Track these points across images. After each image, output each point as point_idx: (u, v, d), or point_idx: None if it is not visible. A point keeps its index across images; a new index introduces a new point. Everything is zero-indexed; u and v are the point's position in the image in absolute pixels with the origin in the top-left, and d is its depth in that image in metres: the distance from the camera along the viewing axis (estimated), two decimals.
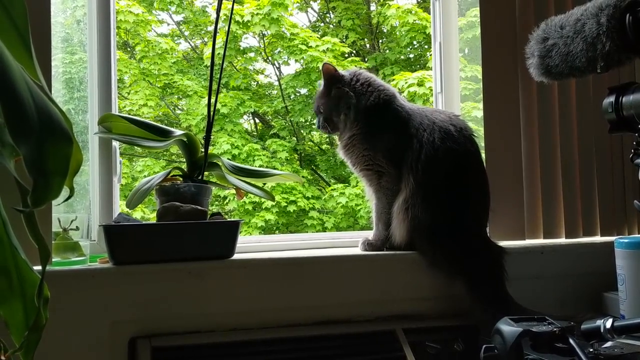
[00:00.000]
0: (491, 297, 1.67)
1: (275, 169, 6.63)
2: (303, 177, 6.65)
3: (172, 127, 1.83)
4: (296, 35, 7.20)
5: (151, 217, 5.87)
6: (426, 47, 7.63)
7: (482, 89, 1.99)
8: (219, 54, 1.76)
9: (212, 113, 1.71)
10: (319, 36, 7.42)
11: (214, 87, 1.73)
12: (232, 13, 2.03)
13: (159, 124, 1.81)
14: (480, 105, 2.01)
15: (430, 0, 2.26)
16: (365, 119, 1.77)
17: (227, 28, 1.84)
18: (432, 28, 2.25)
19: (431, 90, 6.32)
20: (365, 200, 5.85)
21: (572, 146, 2.04)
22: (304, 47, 7.11)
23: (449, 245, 1.68)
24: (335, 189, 6.71)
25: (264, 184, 1.98)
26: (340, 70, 1.86)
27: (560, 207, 2.01)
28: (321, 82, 1.88)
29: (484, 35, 2.00)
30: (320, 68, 1.86)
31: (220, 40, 6.45)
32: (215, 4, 1.62)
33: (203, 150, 1.73)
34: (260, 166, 6.65)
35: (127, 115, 1.79)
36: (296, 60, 7.39)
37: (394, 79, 6.90)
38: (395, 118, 1.77)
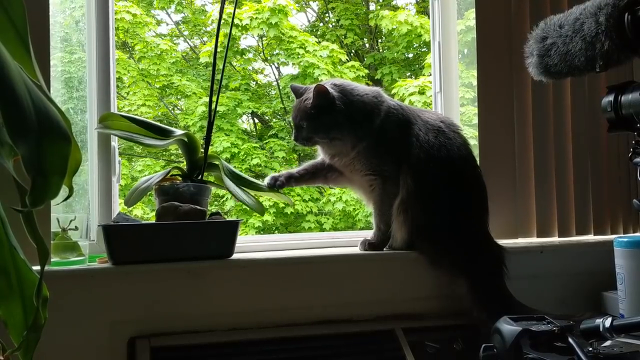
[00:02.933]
0: (492, 296, 1.67)
1: (273, 169, 6.63)
2: None
3: (172, 127, 1.83)
4: (294, 39, 7.19)
5: (151, 215, 5.87)
6: (424, 49, 7.62)
7: (476, 89, 2.00)
8: (220, 51, 1.74)
9: (212, 114, 1.70)
10: (317, 40, 7.40)
11: (215, 87, 1.73)
12: (233, 17, 2.02)
13: (159, 123, 1.81)
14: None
15: (429, 0, 2.27)
16: (368, 137, 1.73)
17: (227, 30, 1.82)
18: (430, 27, 2.26)
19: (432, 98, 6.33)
20: (362, 205, 5.85)
21: (566, 145, 2.05)
22: (301, 52, 7.10)
23: (449, 243, 1.69)
24: (332, 194, 6.69)
25: None
26: (328, 86, 1.75)
27: (554, 206, 2.02)
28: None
29: (479, 36, 2.00)
30: (312, 89, 1.72)
31: (220, 41, 6.40)
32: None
33: (203, 150, 1.73)
34: (257, 165, 6.67)
35: (127, 114, 1.79)
36: (294, 64, 7.38)
37: (394, 87, 6.89)
38: (397, 125, 1.76)
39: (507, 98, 2.01)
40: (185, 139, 1.75)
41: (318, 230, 6.53)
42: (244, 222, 6.23)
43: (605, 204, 2.07)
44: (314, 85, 1.73)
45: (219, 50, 1.71)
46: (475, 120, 2.03)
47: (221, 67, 1.75)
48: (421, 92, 6.54)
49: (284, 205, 6.38)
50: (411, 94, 6.58)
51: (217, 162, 1.76)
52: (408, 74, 7.55)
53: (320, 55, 7.07)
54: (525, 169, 2.00)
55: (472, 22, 2.06)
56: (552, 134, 2.03)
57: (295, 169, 1.86)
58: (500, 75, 2.01)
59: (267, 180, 1.82)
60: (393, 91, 6.82)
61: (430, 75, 2.28)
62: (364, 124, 1.73)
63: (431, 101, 2.25)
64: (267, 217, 6.37)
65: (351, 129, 1.73)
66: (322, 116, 1.72)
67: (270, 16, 6.97)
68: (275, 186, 1.80)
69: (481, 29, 2.01)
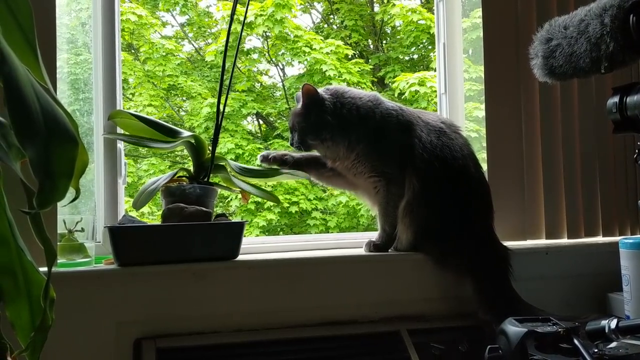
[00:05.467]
0: (498, 296, 1.67)
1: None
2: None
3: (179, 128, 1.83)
4: (300, 37, 7.21)
5: (158, 214, 5.87)
6: (430, 47, 7.63)
7: (484, 92, 2.00)
8: (229, 55, 1.74)
9: (220, 116, 1.71)
10: (322, 38, 7.42)
11: (223, 90, 1.73)
12: (244, 19, 2.03)
13: (167, 123, 1.81)
14: (483, 106, 2.01)
15: (434, 1, 2.26)
16: (365, 139, 1.74)
17: (236, 32, 1.81)
18: (435, 29, 2.25)
19: (432, 89, 6.35)
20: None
21: (573, 146, 2.04)
22: (307, 50, 7.12)
23: (455, 244, 1.69)
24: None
25: (269, 185, 1.96)
26: (320, 90, 1.78)
27: (562, 208, 2.01)
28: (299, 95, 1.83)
29: (486, 36, 2.01)
30: (300, 88, 1.77)
31: (224, 40, 6.41)
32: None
33: (210, 152, 1.73)
34: (261, 166, 6.68)
35: (136, 113, 1.79)
36: (299, 62, 7.40)
37: (395, 81, 6.91)
38: (396, 126, 1.76)
39: (514, 100, 2.01)
40: (193, 141, 1.76)
41: (323, 228, 6.54)
42: (248, 222, 6.25)
43: (614, 205, 2.07)
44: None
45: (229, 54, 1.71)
46: (476, 114, 2.03)
47: (230, 68, 1.75)
48: (421, 84, 6.56)
49: (288, 205, 6.38)
50: (411, 85, 6.61)
51: (224, 164, 1.77)
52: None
53: (327, 52, 7.08)
54: (534, 171, 2.00)
55: (477, 20, 2.06)
56: (560, 135, 2.03)
57: (293, 152, 1.87)
58: (507, 77, 2.01)
59: (260, 156, 1.85)
60: (393, 85, 6.85)
61: (433, 70, 2.28)
62: (357, 127, 1.74)
63: (432, 92, 2.25)
64: (272, 217, 6.37)
65: (342, 131, 1.74)
66: (312, 117, 1.75)
67: (274, 12, 6.98)
68: (267, 161, 1.82)
69: (488, 29, 2.01)
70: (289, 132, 1.85)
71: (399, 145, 1.74)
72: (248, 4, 1.89)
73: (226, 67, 1.70)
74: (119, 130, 1.81)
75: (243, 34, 7.06)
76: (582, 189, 2.04)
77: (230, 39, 1.76)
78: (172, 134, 1.75)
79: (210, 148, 1.74)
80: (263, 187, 1.82)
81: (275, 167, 1.83)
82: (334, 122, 1.74)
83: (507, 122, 2.00)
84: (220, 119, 1.71)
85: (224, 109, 1.71)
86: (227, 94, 1.72)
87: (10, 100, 0.83)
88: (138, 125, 1.75)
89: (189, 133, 1.78)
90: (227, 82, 1.77)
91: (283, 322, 1.62)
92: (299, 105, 1.79)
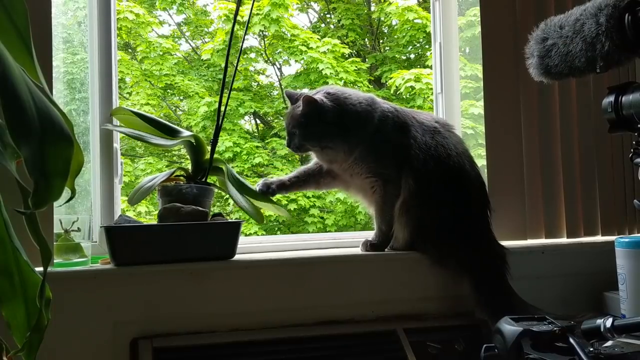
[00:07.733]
0: (496, 295, 1.68)
1: (276, 168, 6.65)
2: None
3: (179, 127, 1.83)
4: (296, 37, 7.21)
5: (155, 213, 5.86)
6: (426, 46, 7.63)
7: (482, 89, 2.00)
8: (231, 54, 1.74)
9: (220, 118, 1.70)
10: (319, 37, 7.42)
11: (225, 91, 1.73)
12: (248, 21, 2.03)
13: (167, 122, 1.81)
14: (478, 103, 2.01)
15: (430, 0, 2.26)
16: (363, 143, 1.74)
17: (234, 32, 1.80)
18: (432, 28, 2.26)
19: (428, 86, 6.36)
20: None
21: (572, 145, 2.04)
22: (304, 48, 7.12)
23: (452, 242, 1.69)
24: None
25: None
26: (321, 95, 1.75)
27: (562, 207, 2.02)
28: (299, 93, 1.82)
29: (484, 34, 2.01)
30: (301, 100, 1.72)
31: (223, 40, 6.40)
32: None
33: (209, 152, 1.73)
34: (259, 164, 6.68)
35: (137, 111, 1.79)
36: (296, 61, 7.39)
37: (392, 78, 6.92)
38: (393, 128, 1.76)
39: (513, 98, 2.01)
40: (193, 141, 1.75)
41: (321, 226, 6.53)
42: (246, 220, 6.24)
43: (612, 204, 2.07)
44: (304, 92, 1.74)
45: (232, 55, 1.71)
46: (472, 111, 2.02)
47: (231, 69, 1.74)
48: (417, 80, 6.58)
49: (287, 202, 6.38)
50: (407, 81, 6.62)
51: (221, 166, 1.76)
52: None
53: (323, 51, 7.08)
54: (533, 169, 2.00)
55: (473, 18, 2.05)
56: (559, 134, 2.03)
57: (287, 176, 1.86)
58: (506, 75, 2.01)
59: (259, 186, 1.80)
60: (389, 82, 6.86)
61: (430, 67, 2.29)
62: (356, 132, 1.74)
63: (427, 88, 2.26)
64: (270, 213, 6.36)
65: (343, 137, 1.73)
66: (313, 125, 1.73)
67: (270, 10, 6.97)
68: (268, 193, 1.80)
69: (486, 26, 2.01)
70: (285, 133, 1.83)
71: (395, 146, 1.74)
72: (252, 6, 1.88)
73: (227, 69, 1.70)
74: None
75: (240, 33, 7.09)
76: (581, 188, 2.04)
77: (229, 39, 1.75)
78: (172, 133, 1.75)
79: (209, 148, 1.74)
80: (252, 202, 1.79)
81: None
82: (335, 129, 1.72)
83: (506, 121, 2.00)
84: (220, 121, 1.71)
85: (224, 110, 1.70)
86: (229, 95, 1.71)
87: (4, 100, 0.83)
88: (139, 123, 1.75)
89: (189, 133, 1.78)
90: (228, 83, 1.76)
91: (280, 322, 1.62)
92: (298, 110, 1.74)
